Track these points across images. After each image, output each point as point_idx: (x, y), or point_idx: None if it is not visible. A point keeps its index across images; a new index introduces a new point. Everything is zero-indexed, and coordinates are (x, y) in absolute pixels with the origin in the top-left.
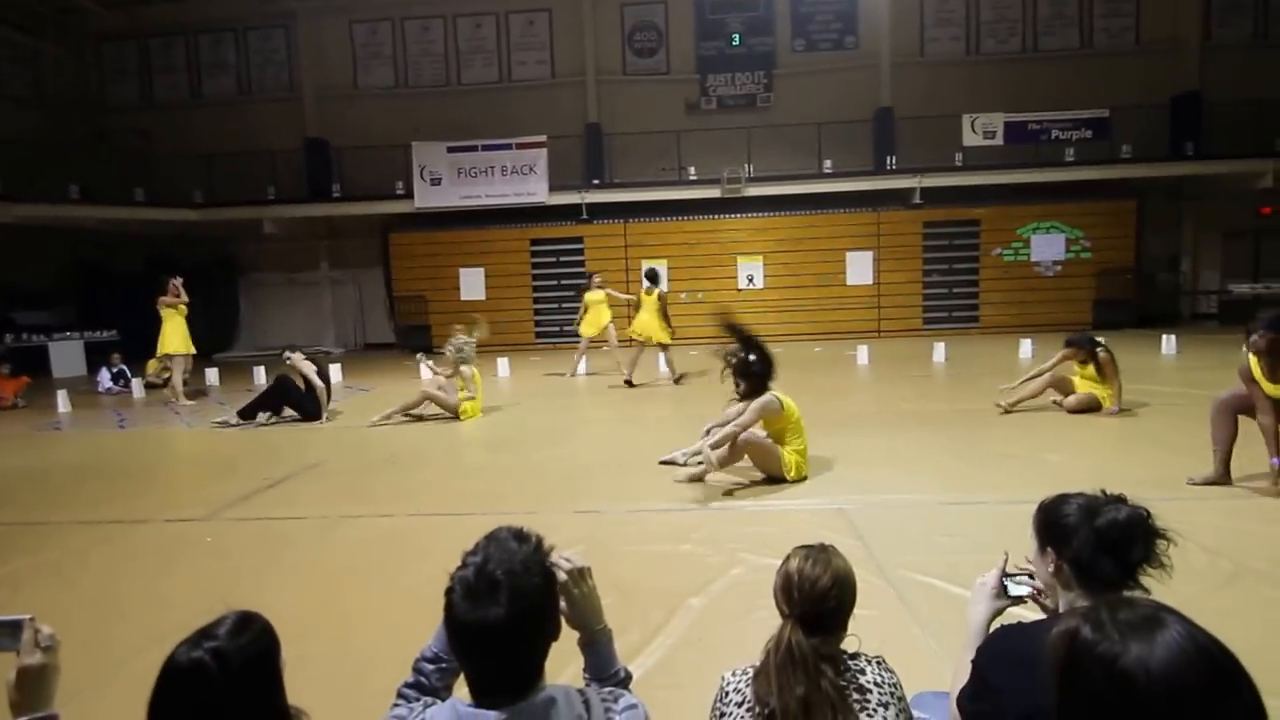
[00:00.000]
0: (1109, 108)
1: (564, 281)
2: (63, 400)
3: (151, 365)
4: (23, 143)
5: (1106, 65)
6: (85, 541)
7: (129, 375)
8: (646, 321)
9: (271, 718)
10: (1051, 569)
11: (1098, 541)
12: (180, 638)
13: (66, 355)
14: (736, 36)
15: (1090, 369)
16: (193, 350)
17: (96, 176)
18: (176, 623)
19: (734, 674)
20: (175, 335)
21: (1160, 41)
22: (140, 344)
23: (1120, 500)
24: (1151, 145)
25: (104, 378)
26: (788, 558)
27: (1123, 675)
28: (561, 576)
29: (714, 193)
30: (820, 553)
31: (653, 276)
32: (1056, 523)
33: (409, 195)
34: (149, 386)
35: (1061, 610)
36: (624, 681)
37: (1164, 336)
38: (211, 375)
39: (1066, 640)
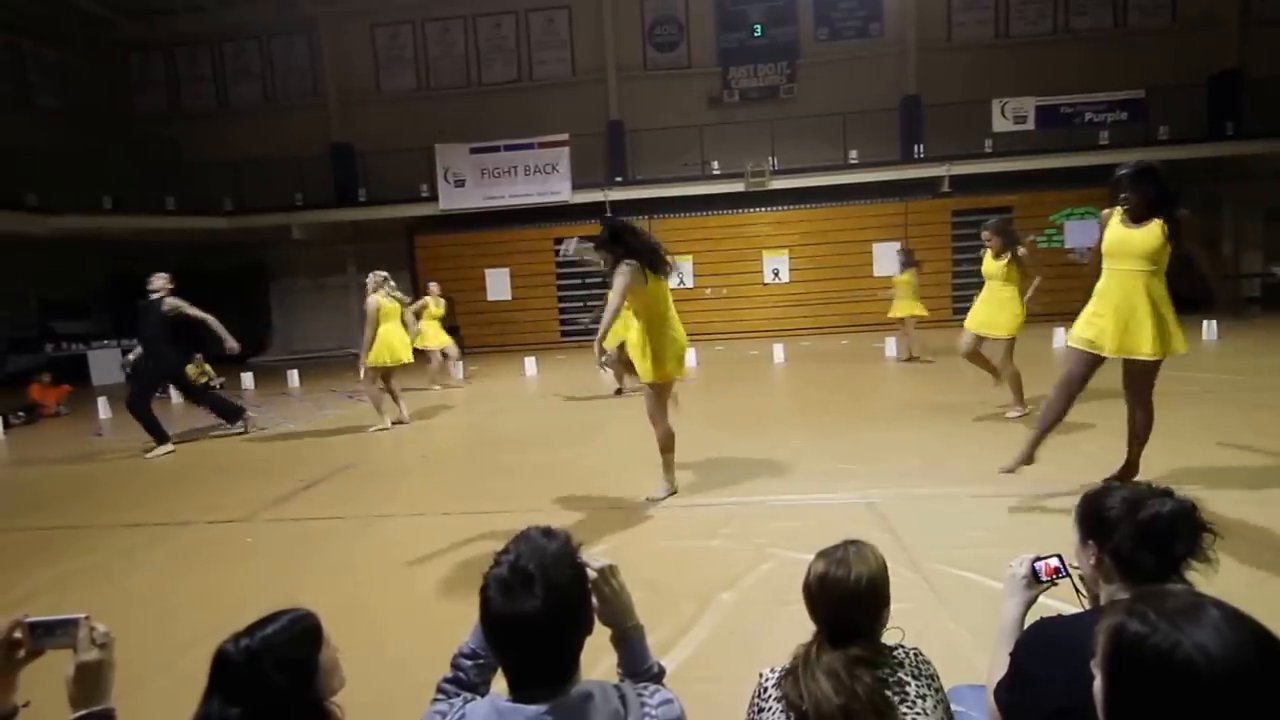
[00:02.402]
0: (1144, 88)
1: (588, 280)
2: (103, 407)
3: (189, 371)
4: (56, 155)
5: (1141, 44)
6: (130, 543)
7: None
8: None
9: (303, 711)
10: (1093, 561)
11: (1139, 535)
12: (223, 634)
13: (105, 363)
14: (758, 27)
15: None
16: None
17: (128, 186)
18: (220, 620)
19: (772, 670)
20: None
21: (1197, 18)
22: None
23: (1166, 493)
24: (1189, 126)
25: None
26: (811, 564)
27: (1184, 664)
28: (592, 574)
29: (738, 187)
30: (843, 554)
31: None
32: (1098, 514)
33: (433, 197)
34: None
35: (1103, 603)
36: (658, 676)
37: (1205, 322)
38: (246, 380)
39: (1113, 636)
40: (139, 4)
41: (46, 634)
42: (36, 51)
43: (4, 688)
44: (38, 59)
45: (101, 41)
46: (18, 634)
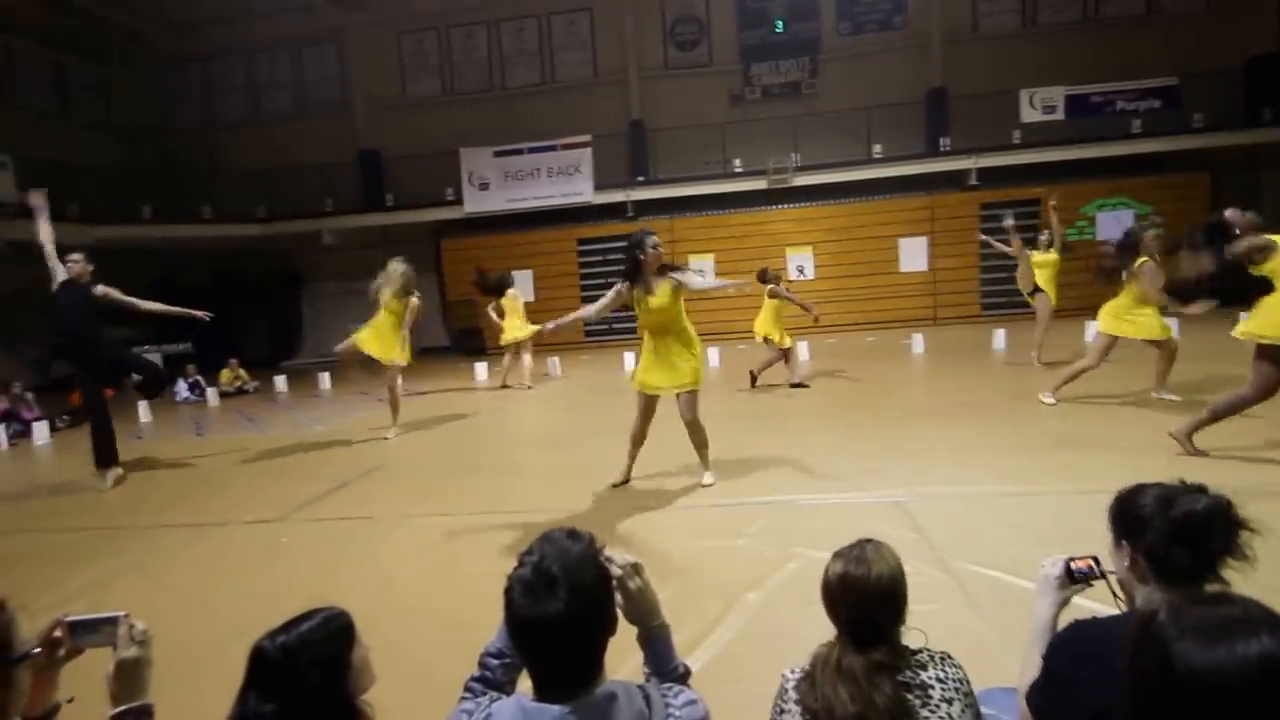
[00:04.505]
0: (1178, 75)
1: (611, 280)
2: (143, 410)
3: (225, 375)
4: (97, 168)
5: (1174, 30)
6: (170, 543)
7: (204, 385)
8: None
9: (335, 708)
10: (1127, 562)
11: (1173, 533)
12: (259, 632)
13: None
14: (779, 23)
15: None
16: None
17: (166, 197)
18: (257, 618)
19: (793, 671)
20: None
21: (1232, 2)
22: (213, 355)
23: (1200, 489)
24: (1225, 113)
25: (181, 388)
26: (828, 564)
27: (1166, 659)
28: (616, 572)
29: (761, 184)
30: (861, 552)
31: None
32: (1131, 514)
33: (458, 201)
34: (223, 395)
35: (1139, 605)
36: (683, 676)
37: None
38: (280, 383)
39: (1143, 621)
40: (175, 18)
41: (87, 632)
42: (79, 66)
43: (46, 686)
44: (80, 74)
45: (140, 56)
46: (58, 633)
